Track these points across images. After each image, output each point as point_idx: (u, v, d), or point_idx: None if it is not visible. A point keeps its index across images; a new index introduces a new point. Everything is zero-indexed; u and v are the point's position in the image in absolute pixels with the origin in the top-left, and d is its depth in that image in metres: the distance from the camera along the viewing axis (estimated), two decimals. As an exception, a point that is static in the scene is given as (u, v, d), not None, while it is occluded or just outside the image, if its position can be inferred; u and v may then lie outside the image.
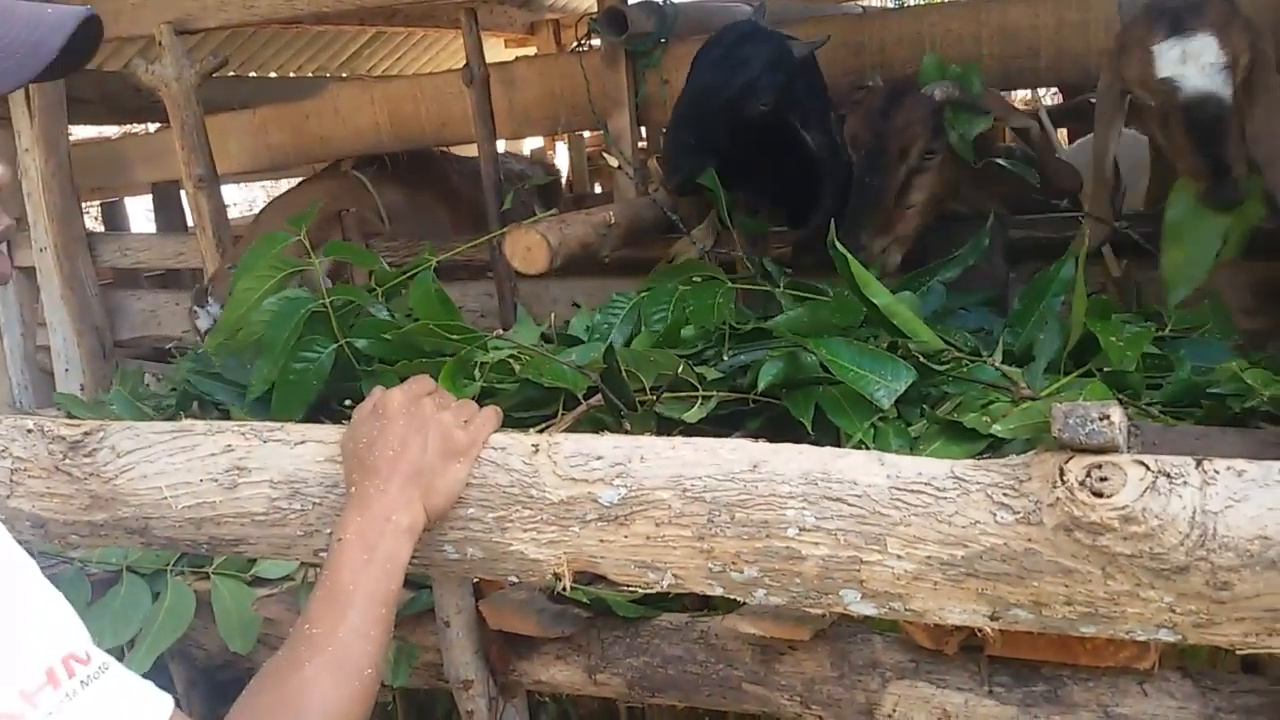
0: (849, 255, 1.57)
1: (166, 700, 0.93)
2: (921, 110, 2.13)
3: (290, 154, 4.01)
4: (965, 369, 1.60)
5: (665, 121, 3.21)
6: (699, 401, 1.65)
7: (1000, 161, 2.25)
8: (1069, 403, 1.05)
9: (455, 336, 1.83)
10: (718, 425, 1.65)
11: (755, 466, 1.17)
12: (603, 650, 1.62)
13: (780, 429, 1.60)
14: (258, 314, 2.00)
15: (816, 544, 1.13)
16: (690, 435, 1.31)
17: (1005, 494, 1.07)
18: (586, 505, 1.22)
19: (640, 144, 3.28)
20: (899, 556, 1.10)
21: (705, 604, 1.62)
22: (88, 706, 0.86)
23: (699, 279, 2.07)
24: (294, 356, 1.92)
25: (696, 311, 1.95)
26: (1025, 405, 1.46)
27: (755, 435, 1.58)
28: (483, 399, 1.73)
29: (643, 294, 2.07)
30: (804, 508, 1.13)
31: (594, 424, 1.68)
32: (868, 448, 1.44)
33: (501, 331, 1.81)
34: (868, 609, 1.15)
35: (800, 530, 1.13)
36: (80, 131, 5.73)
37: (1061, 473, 1.03)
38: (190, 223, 3.47)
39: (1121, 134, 2.12)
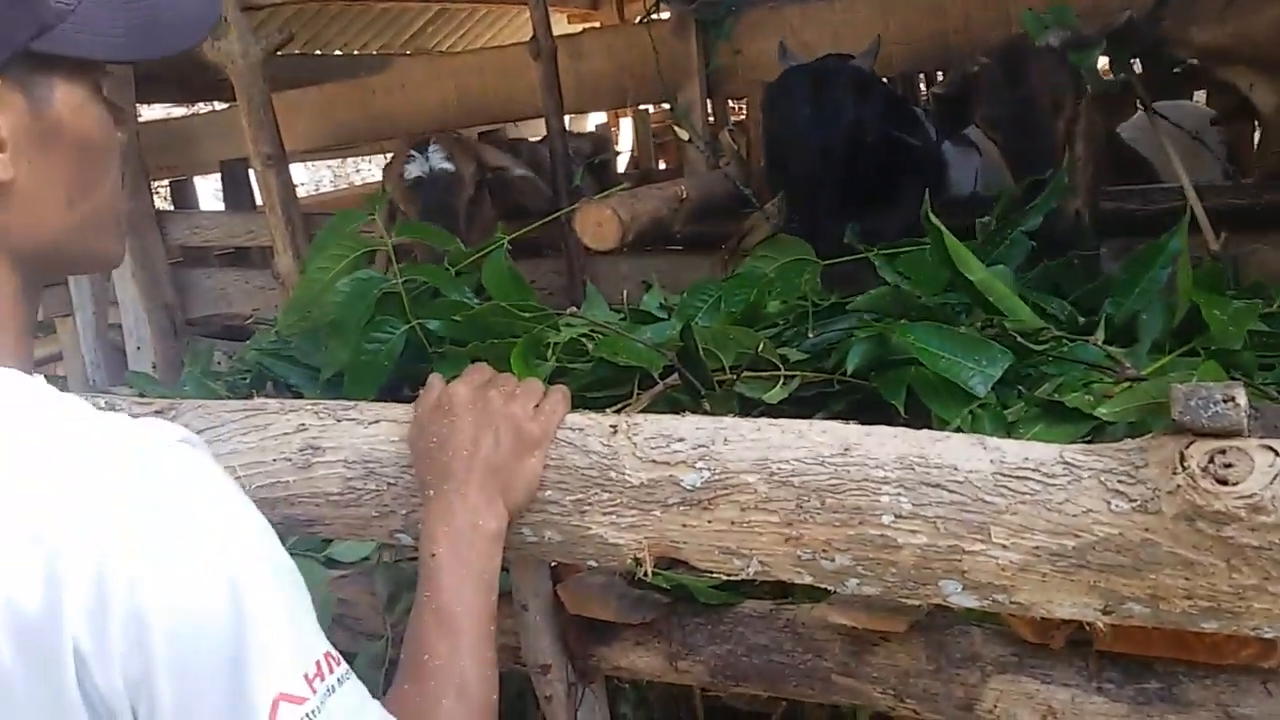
0: (942, 228, 1.50)
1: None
2: (1052, 60, 2.03)
3: (357, 131, 4.00)
4: (1065, 348, 1.52)
5: (737, 93, 3.16)
6: (780, 381, 1.59)
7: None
8: (1189, 384, 0.98)
9: (526, 315, 1.79)
10: (799, 406, 1.59)
11: (847, 450, 1.12)
12: (684, 637, 1.57)
13: (866, 411, 1.53)
14: (331, 295, 1.99)
15: (914, 532, 1.07)
16: (771, 417, 1.26)
17: (1120, 481, 1.00)
18: (668, 489, 1.17)
19: (709, 116, 3.21)
20: (1004, 546, 1.04)
21: (787, 590, 1.57)
22: (341, 703, 0.87)
23: (786, 261, 1.99)
24: (366, 338, 1.89)
25: (782, 291, 1.88)
26: (1131, 386, 1.38)
27: (840, 417, 1.52)
28: (555, 379, 1.69)
29: (727, 280, 2.01)
30: (900, 494, 1.08)
31: (671, 404, 1.63)
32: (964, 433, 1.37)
33: (574, 309, 1.76)
34: (970, 601, 1.09)
35: (896, 517, 1.08)
36: (147, 112, 5.77)
37: (1182, 458, 0.97)
38: (259, 201, 3.47)
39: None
